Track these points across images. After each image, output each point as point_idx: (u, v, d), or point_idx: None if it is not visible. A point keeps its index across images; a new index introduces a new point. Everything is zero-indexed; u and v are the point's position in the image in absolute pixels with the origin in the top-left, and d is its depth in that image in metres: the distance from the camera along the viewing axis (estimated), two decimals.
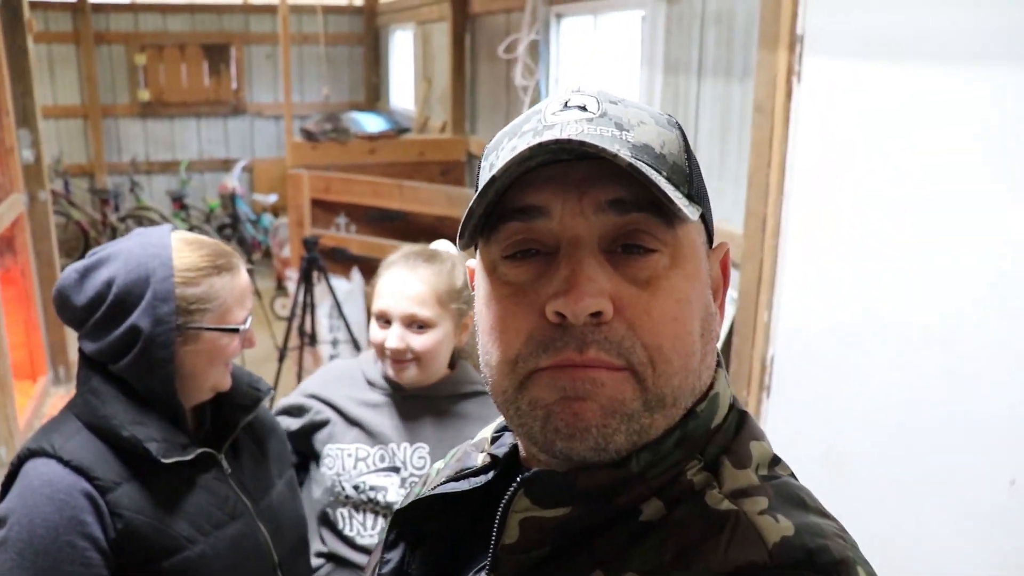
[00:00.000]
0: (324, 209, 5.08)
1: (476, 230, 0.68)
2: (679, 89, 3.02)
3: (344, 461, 1.74)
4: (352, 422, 1.78)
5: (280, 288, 6.86)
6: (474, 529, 0.72)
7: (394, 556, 0.79)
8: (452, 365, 1.83)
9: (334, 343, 4.65)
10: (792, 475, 0.70)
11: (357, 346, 4.56)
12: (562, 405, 0.63)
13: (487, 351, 0.68)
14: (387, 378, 1.78)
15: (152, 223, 7.63)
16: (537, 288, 0.65)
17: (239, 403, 1.55)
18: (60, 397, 5.12)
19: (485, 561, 0.68)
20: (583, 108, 0.67)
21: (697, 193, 0.69)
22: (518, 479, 0.66)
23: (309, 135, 5.17)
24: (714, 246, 0.74)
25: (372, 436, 1.75)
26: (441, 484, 0.79)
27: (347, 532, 1.74)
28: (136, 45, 8.25)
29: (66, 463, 1.32)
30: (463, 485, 0.77)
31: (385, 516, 1.73)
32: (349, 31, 8.83)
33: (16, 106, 4.77)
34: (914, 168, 1.88)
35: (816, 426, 2.27)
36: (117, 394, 1.38)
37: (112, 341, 1.38)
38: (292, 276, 5.20)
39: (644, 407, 0.63)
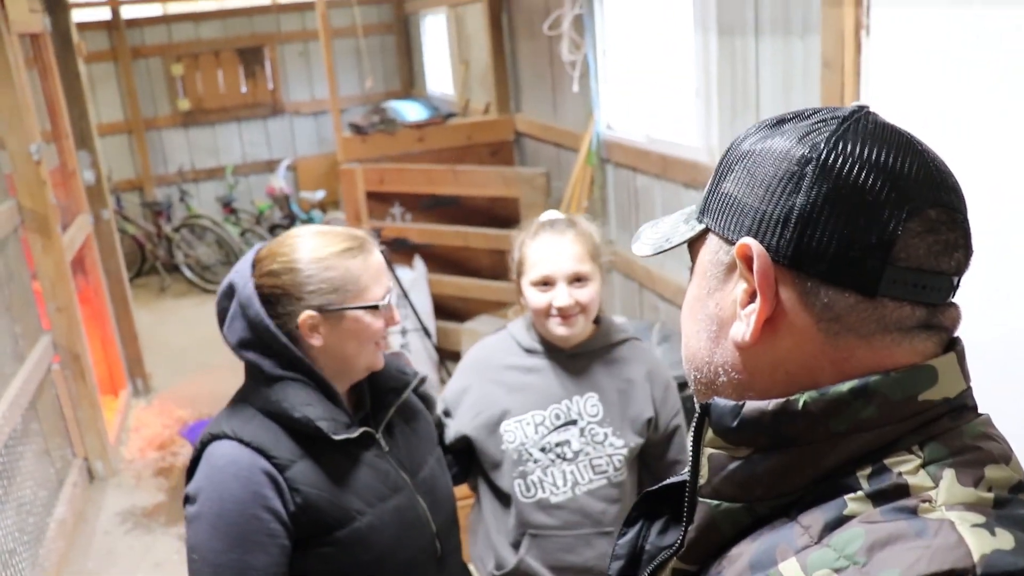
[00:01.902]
0: (377, 201, 5.13)
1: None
2: (736, 50, 3.01)
3: (524, 430, 1.91)
4: (519, 391, 1.93)
5: None
6: None
7: (631, 530, 0.88)
8: (597, 321, 2.00)
9: (403, 332, 4.72)
10: None
11: (427, 332, 4.62)
12: None
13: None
14: (544, 342, 1.95)
15: (204, 230, 7.79)
16: None
17: (391, 386, 1.67)
18: (142, 408, 5.28)
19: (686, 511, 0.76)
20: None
21: (706, 208, 0.79)
22: (699, 407, 0.74)
23: (358, 129, 5.21)
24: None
25: (543, 399, 1.92)
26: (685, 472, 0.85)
27: (541, 495, 1.90)
28: (172, 56, 8.36)
29: (246, 444, 1.47)
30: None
31: (571, 461, 1.90)
32: (379, 21, 8.85)
33: (74, 129, 4.89)
34: (996, 122, 1.86)
35: None
36: (284, 382, 1.51)
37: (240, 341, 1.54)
38: None
39: None
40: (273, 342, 1.50)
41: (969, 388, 0.71)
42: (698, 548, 0.74)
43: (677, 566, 0.76)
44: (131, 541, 3.89)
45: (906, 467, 0.65)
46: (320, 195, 8.07)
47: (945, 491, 0.63)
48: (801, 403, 0.67)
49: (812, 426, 0.67)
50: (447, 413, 2.00)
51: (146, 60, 8.32)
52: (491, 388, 1.96)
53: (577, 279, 1.87)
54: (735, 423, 0.70)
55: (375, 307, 1.55)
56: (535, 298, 1.88)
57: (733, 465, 0.71)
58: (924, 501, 0.62)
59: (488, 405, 1.94)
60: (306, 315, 1.51)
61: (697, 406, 0.76)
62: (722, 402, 0.71)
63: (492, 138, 5.36)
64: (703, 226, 0.77)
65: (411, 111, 5.61)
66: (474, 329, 4.76)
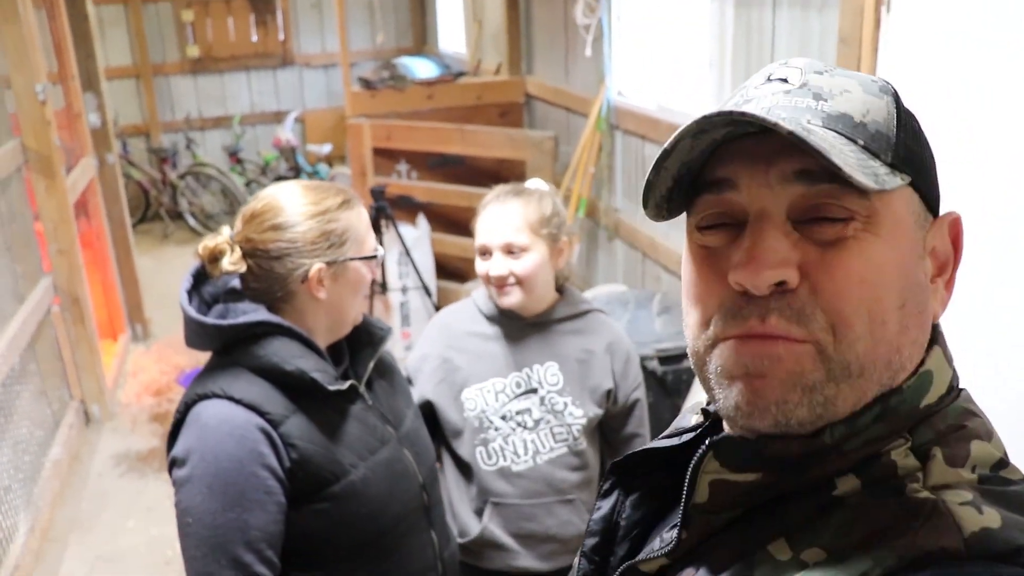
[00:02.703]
0: (385, 157, 5.10)
1: (664, 201, 0.71)
2: (751, 21, 2.97)
3: (485, 398, 1.92)
4: (480, 358, 1.95)
5: None
6: (682, 483, 0.73)
7: (605, 504, 0.84)
8: (560, 291, 2.00)
9: (404, 290, 4.71)
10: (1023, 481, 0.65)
11: (427, 291, 4.62)
12: (745, 382, 0.64)
13: (686, 310, 0.72)
14: (503, 308, 1.94)
15: (209, 179, 7.76)
16: (728, 254, 0.66)
17: (366, 341, 1.68)
18: (141, 353, 5.29)
19: (679, 517, 0.70)
20: (784, 80, 0.68)
21: (906, 160, 0.66)
22: (707, 441, 0.68)
23: (367, 84, 5.17)
24: (941, 215, 0.72)
25: (504, 366, 1.93)
26: (657, 440, 0.83)
27: (502, 463, 1.91)
28: (182, 1, 8.27)
29: (238, 401, 1.45)
30: (673, 441, 0.80)
31: (532, 430, 1.91)
32: None
33: (80, 70, 4.85)
34: (1019, 99, 1.84)
35: None
36: (270, 337, 1.50)
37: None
38: None
39: (827, 376, 0.63)
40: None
41: (954, 371, 0.70)
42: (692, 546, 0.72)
43: (666, 563, 0.73)
44: (124, 484, 3.92)
45: (895, 450, 0.64)
46: (327, 149, 8.03)
47: (933, 472, 0.62)
48: (827, 439, 0.64)
49: (829, 456, 0.65)
50: (409, 380, 2.00)
51: (156, 4, 8.23)
52: (453, 355, 1.98)
53: (511, 250, 1.87)
54: (749, 463, 0.67)
55: (373, 257, 1.60)
56: (478, 266, 1.92)
57: (738, 488, 0.67)
58: (913, 482, 0.62)
59: (450, 371, 1.96)
60: (318, 268, 1.52)
61: (704, 442, 0.69)
62: (735, 441, 0.67)
63: (502, 99, 5.32)
64: (908, 179, 0.66)
65: (422, 68, 5.56)
66: (473, 290, 4.75)
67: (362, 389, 1.62)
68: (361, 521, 1.53)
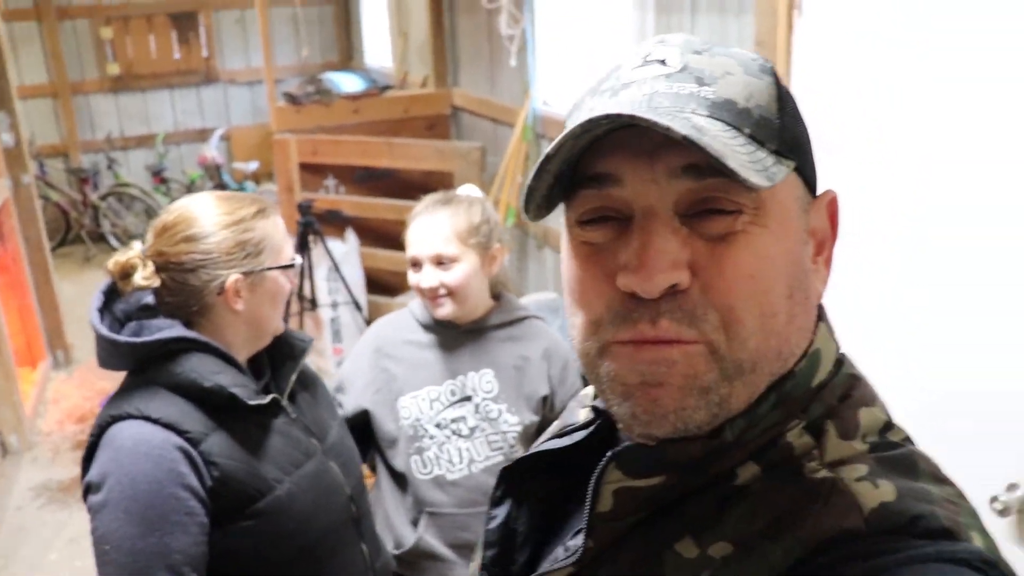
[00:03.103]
0: (311, 172, 5.03)
1: (545, 201, 0.67)
2: (671, 28, 3.00)
3: (420, 406, 1.90)
4: (416, 367, 1.93)
5: None
6: (579, 484, 0.70)
7: (500, 512, 0.80)
8: (497, 298, 1.99)
9: (334, 305, 4.65)
10: (907, 439, 0.67)
11: (358, 306, 4.56)
12: (641, 391, 0.63)
13: (571, 310, 0.69)
14: (439, 319, 1.93)
15: (133, 199, 7.57)
16: (614, 251, 0.64)
17: (286, 353, 1.65)
18: (62, 380, 5.12)
19: (583, 524, 0.68)
20: (663, 62, 0.65)
21: (790, 145, 0.65)
22: (608, 453, 0.65)
23: (292, 99, 5.09)
24: (818, 194, 0.71)
25: (439, 375, 1.92)
26: (545, 441, 0.81)
27: (437, 471, 1.89)
28: (101, 18, 8.06)
29: (155, 421, 1.39)
30: (564, 442, 0.77)
31: (467, 438, 1.89)
32: None
33: None
34: (928, 100, 1.88)
35: None
36: (188, 354, 1.46)
37: None
38: None
39: (721, 376, 0.62)
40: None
41: (837, 343, 0.71)
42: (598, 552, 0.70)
43: (573, 571, 0.70)
44: (45, 517, 3.78)
45: (791, 431, 0.64)
46: (254, 166, 7.91)
47: (828, 448, 0.63)
48: (729, 435, 0.63)
49: (731, 451, 0.64)
50: (340, 389, 1.99)
51: (73, 21, 8.01)
52: (389, 364, 1.96)
53: (440, 261, 1.86)
54: (653, 469, 0.65)
55: (291, 265, 1.57)
56: (409, 278, 1.91)
57: (641, 493, 0.65)
58: (810, 461, 0.62)
59: (387, 381, 1.94)
60: (235, 279, 1.49)
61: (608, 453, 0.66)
62: (636, 449, 0.65)
63: (429, 112, 5.29)
64: (792, 165, 0.65)
65: (348, 83, 5.50)
66: (405, 303, 4.70)
67: (284, 402, 1.58)
68: (289, 537, 1.49)
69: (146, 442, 1.38)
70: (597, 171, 0.64)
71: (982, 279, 1.75)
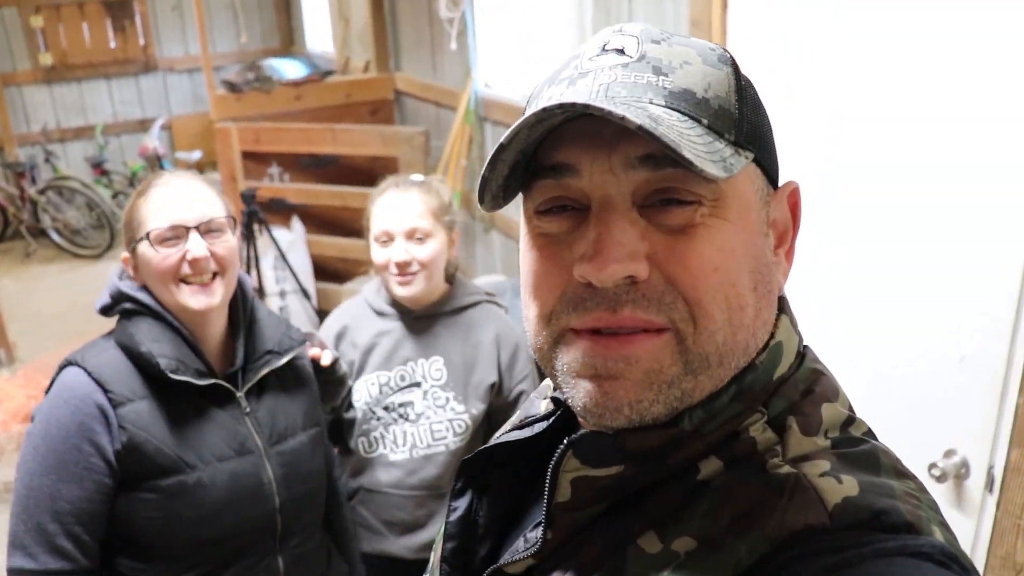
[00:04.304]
0: (255, 161, 4.98)
1: (502, 191, 0.66)
2: (610, 8, 3.02)
3: (369, 390, 1.94)
4: (369, 352, 1.96)
5: None
6: (540, 475, 0.69)
7: (461, 504, 0.79)
8: (450, 281, 2.02)
9: (282, 294, 4.62)
10: (868, 434, 0.67)
11: (306, 295, 4.54)
12: (594, 383, 0.62)
13: (525, 303, 0.68)
14: (394, 303, 1.97)
15: (73, 192, 7.41)
16: (570, 242, 0.63)
17: (269, 348, 1.64)
18: (5, 380, 5.01)
19: (542, 516, 0.67)
20: (621, 51, 0.64)
21: (749, 136, 0.64)
22: (565, 440, 0.64)
23: (232, 86, 5.03)
24: (780, 185, 0.71)
25: (389, 360, 1.95)
26: (505, 432, 0.81)
27: (381, 451, 1.94)
28: (30, 6, 7.83)
29: (88, 373, 1.46)
30: (524, 433, 0.77)
31: (413, 423, 1.93)
32: None
33: None
34: (853, 80, 1.91)
35: None
36: (140, 316, 1.51)
37: None
38: None
39: (685, 370, 0.61)
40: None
41: (800, 335, 0.70)
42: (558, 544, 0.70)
43: (533, 563, 0.70)
44: None
45: (752, 426, 0.64)
46: (197, 155, 7.79)
47: (791, 444, 0.63)
48: (687, 425, 0.63)
49: (689, 441, 0.64)
50: None
51: (0, 10, 7.80)
52: (347, 349, 1.99)
53: (415, 236, 1.88)
54: (610, 458, 0.64)
55: (145, 237, 1.50)
56: (377, 254, 1.92)
57: (600, 482, 0.65)
58: (773, 456, 0.62)
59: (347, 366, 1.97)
60: (124, 256, 1.55)
61: (565, 440, 0.65)
62: (593, 437, 0.64)
63: (372, 97, 5.26)
64: (751, 156, 0.64)
65: (290, 69, 5.45)
66: (353, 290, 4.68)
67: (239, 394, 1.57)
68: (191, 523, 1.50)
69: (69, 389, 1.45)
70: (554, 161, 0.64)
71: (898, 236, 1.78)
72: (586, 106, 0.57)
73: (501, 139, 0.61)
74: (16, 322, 5.39)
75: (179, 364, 1.48)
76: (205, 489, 1.50)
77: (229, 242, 1.54)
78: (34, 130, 7.99)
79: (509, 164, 0.64)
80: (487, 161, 0.63)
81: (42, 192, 7.43)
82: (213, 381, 1.52)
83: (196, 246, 1.48)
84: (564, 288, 0.63)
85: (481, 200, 0.67)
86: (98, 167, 7.72)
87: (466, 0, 3.97)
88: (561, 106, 0.58)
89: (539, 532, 0.67)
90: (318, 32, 7.54)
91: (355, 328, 2.00)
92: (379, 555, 1.96)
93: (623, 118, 0.56)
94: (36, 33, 7.91)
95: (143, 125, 8.29)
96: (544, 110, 0.59)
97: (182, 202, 1.51)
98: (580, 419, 0.70)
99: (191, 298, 1.50)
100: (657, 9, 2.74)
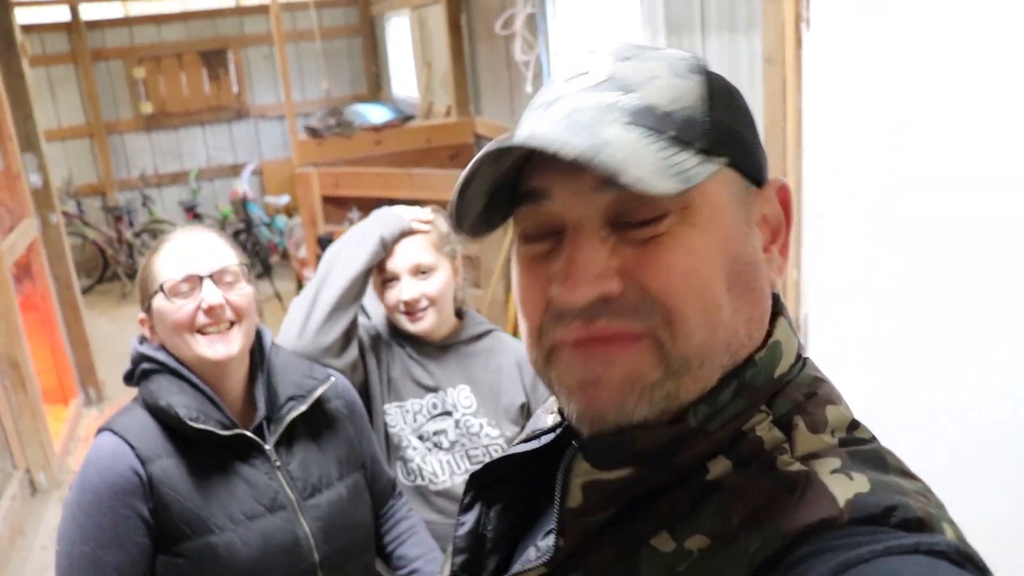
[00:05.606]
0: (335, 205, 5.04)
1: (483, 218, 0.68)
2: (682, 48, 2.94)
3: (404, 417, 1.90)
4: (402, 378, 1.93)
5: (300, 288, 6.84)
6: (549, 487, 0.70)
7: (469, 518, 0.80)
8: (460, 314, 2.00)
9: None
10: (873, 438, 0.67)
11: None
12: (580, 390, 0.64)
13: (520, 322, 0.70)
14: (413, 335, 1.92)
15: None
16: (549, 263, 0.65)
17: (292, 394, 1.55)
18: (93, 418, 5.14)
19: (554, 524, 0.68)
20: (589, 74, 0.66)
21: (720, 141, 0.65)
22: (573, 443, 0.65)
23: (314, 132, 5.12)
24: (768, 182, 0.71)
25: (422, 388, 1.91)
26: (514, 446, 0.81)
27: (420, 482, 1.90)
28: (134, 58, 8.22)
29: (117, 435, 1.43)
30: (531, 445, 0.77)
31: (447, 451, 1.90)
32: (344, 23, 8.76)
33: (19, 131, 4.76)
34: (931, 112, 1.80)
35: (853, 386, 2.20)
36: (159, 374, 1.48)
37: None
38: (310, 275, 5.17)
39: (666, 373, 0.62)
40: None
41: (799, 340, 0.71)
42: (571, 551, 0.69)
43: (545, 572, 0.69)
44: None
45: (759, 425, 0.64)
46: (285, 200, 7.95)
47: (799, 441, 0.63)
48: (692, 421, 0.63)
49: (696, 438, 0.63)
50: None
51: (107, 63, 8.18)
52: (372, 362, 1.94)
53: (420, 271, 1.85)
54: (620, 459, 0.64)
55: (159, 290, 1.46)
56: (386, 296, 1.88)
57: (611, 486, 0.65)
58: (782, 454, 0.63)
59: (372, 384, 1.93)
60: (141, 318, 1.52)
61: (573, 443, 0.66)
62: (602, 439, 0.64)
63: (451, 141, 5.29)
64: (724, 161, 0.65)
65: (375, 114, 5.52)
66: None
67: (268, 446, 1.50)
68: None
69: (100, 454, 1.42)
70: (530, 187, 0.66)
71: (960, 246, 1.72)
72: (520, 146, 0.59)
73: (464, 172, 0.63)
74: (107, 362, 5.53)
75: (199, 414, 1.43)
76: (235, 551, 1.43)
77: (244, 290, 1.50)
78: (133, 175, 8.31)
79: (484, 193, 0.65)
80: (455, 193, 0.64)
81: (138, 235, 7.70)
82: (237, 431, 1.46)
83: (211, 294, 1.44)
84: (547, 304, 0.66)
85: (457, 227, 0.68)
86: (191, 211, 7.97)
87: (540, 43, 3.94)
88: (509, 148, 0.60)
89: (551, 540, 0.68)
90: (404, 78, 7.66)
91: (385, 346, 1.94)
92: None
93: (556, 153, 0.57)
94: (138, 83, 8.27)
95: (235, 170, 8.54)
96: (499, 150, 0.60)
97: (194, 253, 1.48)
98: (576, 429, 0.70)
99: (208, 348, 1.45)
100: (731, 47, 2.65)
